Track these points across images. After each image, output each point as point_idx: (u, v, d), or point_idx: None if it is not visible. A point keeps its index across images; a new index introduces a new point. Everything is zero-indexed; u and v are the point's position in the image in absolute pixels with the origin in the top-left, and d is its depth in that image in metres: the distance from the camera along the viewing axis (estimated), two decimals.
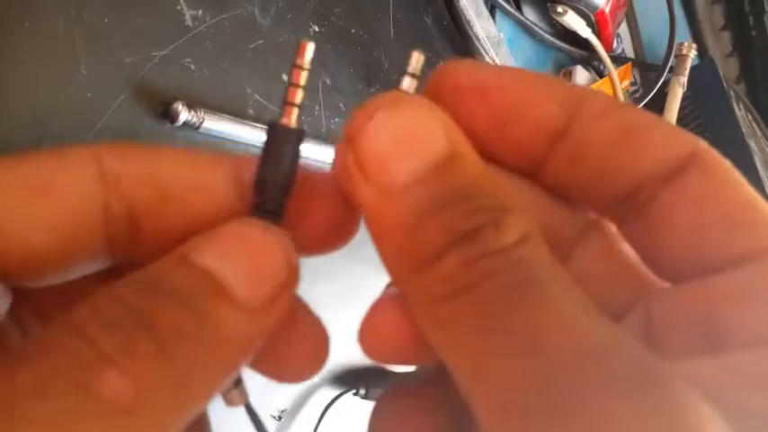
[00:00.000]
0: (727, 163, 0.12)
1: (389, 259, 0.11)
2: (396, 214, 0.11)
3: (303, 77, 0.13)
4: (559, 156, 0.12)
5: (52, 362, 0.09)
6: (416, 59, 0.12)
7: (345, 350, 0.18)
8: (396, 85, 0.12)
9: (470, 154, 0.11)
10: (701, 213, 0.11)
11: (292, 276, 0.12)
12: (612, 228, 0.13)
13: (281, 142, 0.13)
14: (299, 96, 0.13)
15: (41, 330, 0.10)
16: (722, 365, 0.10)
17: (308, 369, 0.14)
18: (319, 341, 0.14)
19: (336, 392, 0.27)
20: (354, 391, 0.28)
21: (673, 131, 0.12)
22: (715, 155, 0.12)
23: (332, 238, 0.13)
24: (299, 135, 0.13)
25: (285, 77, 0.27)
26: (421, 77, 0.12)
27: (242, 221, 0.12)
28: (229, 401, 0.14)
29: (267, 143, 0.13)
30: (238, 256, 0.11)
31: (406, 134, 0.11)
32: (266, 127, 0.13)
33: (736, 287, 0.11)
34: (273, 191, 0.13)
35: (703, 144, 0.12)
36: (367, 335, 0.13)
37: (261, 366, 0.14)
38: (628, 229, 0.13)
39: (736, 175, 0.12)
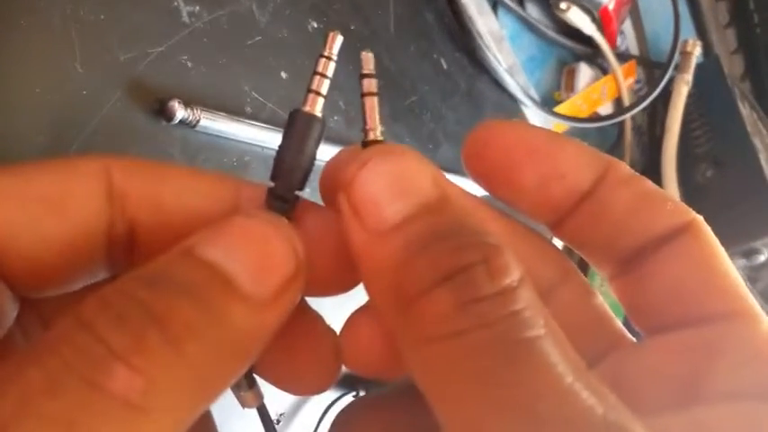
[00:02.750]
0: (713, 236, 0.13)
1: (379, 298, 0.12)
2: (386, 253, 0.11)
3: (330, 68, 0.13)
4: (583, 213, 0.14)
5: (61, 358, 0.09)
6: (366, 59, 0.13)
7: None
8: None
9: (457, 197, 0.12)
10: (687, 274, 0.13)
11: (300, 269, 0.11)
12: (585, 279, 0.15)
13: (303, 129, 0.13)
14: (323, 86, 0.13)
15: (52, 326, 0.10)
16: (690, 421, 0.11)
17: (322, 382, 0.14)
18: (332, 353, 0.13)
19: (334, 395, 0.27)
20: (354, 393, 0.28)
21: (678, 203, 0.14)
22: (706, 227, 0.13)
23: (343, 277, 0.13)
24: (320, 124, 0.13)
25: (284, 75, 0.26)
26: (376, 75, 0.13)
27: (247, 214, 0.12)
28: (244, 403, 0.14)
29: (288, 129, 0.13)
30: (244, 250, 0.11)
31: (396, 179, 0.11)
32: (289, 114, 0.13)
33: (709, 343, 0.12)
34: (290, 177, 0.13)
35: (699, 217, 0.14)
36: (344, 346, 0.13)
37: (274, 378, 0.14)
38: (618, 280, 0.14)
39: (720, 246, 0.13)
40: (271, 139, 0.24)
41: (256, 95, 0.25)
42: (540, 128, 0.14)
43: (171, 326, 0.10)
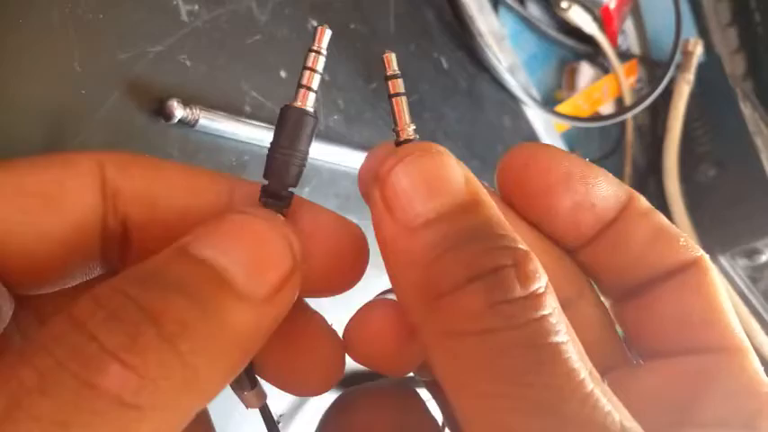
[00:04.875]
0: (716, 273, 0.14)
1: (406, 291, 0.12)
2: (416, 248, 0.11)
3: (320, 62, 0.13)
4: (603, 241, 0.14)
5: (54, 357, 0.09)
6: (388, 60, 0.13)
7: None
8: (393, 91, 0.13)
9: (489, 201, 0.12)
10: (689, 306, 0.14)
11: (296, 266, 0.11)
12: (599, 298, 0.15)
13: (294, 125, 0.13)
14: (314, 81, 0.13)
15: (45, 325, 0.10)
16: None
17: (324, 382, 0.14)
18: (334, 354, 0.14)
19: (334, 396, 0.27)
20: None
21: (689, 241, 0.15)
22: (711, 265, 0.14)
23: (340, 278, 0.13)
24: (312, 119, 0.13)
25: (283, 74, 0.26)
26: (401, 74, 0.13)
27: (242, 211, 0.12)
28: (247, 403, 0.14)
29: (279, 126, 0.13)
30: (239, 247, 0.11)
31: (431, 177, 0.12)
32: (280, 109, 0.13)
33: (703, 372, 0.13)
34: (283, 175, 0.13)
35: (705, 254, 0.15)
36: (353, 335, 0.13)
37: (276, 379, 0.14)
38: (622, 305, 0.15)
39: (721, 284, 0.14)
40: (270, 138, 0.24)
41: (256, 95, 0.25)
42: (574, 155, 0.15)
43: (166, 324, 0.10)
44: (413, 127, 0.13)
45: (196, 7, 0.23)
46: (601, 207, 0.14)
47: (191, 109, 0.22)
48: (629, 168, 0.54)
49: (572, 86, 0.48)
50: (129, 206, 0.12)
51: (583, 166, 0.14)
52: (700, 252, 0.15)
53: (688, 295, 0.14)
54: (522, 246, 0.11)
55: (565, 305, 0.14)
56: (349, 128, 0.29)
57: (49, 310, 0.13)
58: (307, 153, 0.13)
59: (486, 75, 0.40)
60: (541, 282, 0.11)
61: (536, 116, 0.43)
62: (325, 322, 0.14)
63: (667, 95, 0.52)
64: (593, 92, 0.49)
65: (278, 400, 0.24)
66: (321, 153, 0.27)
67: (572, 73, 0.49)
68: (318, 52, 0.13)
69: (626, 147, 0.54)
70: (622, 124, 0.54)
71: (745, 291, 0.50)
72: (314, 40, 0.13)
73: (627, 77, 0.51)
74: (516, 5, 0.43)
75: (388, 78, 0.13)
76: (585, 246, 0.15)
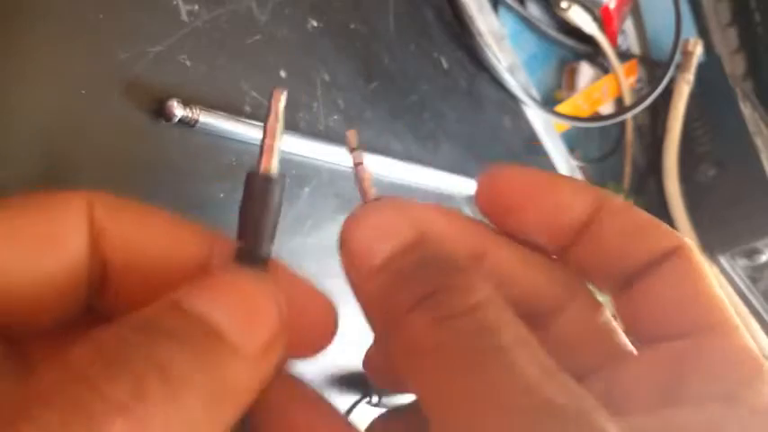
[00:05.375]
0: (700, 258, 0.15)
1: (376, 325, 0.14)
2: (375, 287, 0.13)
3: (279, 126, 0.13)
4: (583, 243, 0.15)
5: (58, 414, 0.09)
6: (351, 135, 0.15)
7: (349, 356, 0.18)
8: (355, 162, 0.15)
9: (434, 235, 0.14)
10: (674, 292, 0.15)
11: (283, 326, 0.12)
12: (594, 297, 0.17)
13: (262, 192, 0.13)
14: (276, 143, 0.13)
15: (41, 374, 0.10)
16: (662, 420, 0.13)
17: (318, 342, 0.15)
18: (327, 311, 0.14)
19: (346, 400, 0.27)
20: (367, 399, 0.28)
21: (669, 230, 0.15)
22: (694, 249, 0.15)
23: (306, 346, 0.14)
24: (279, 182, 0.13)
25: (283, 74, 0.26)
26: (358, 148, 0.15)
27: (232, 270, 0.12)
28: None
29: (247, 192, 0.13)
30: (233, 305, 0.11)
31: (378, 229, 0.14)
32: (245, 176, 0.13)
33: (689, 352, 0.14)
34: (257, 239, 0.13)
35: (688, 241, 0.15)
36: (366, 366, 0.16)
37: None
38: (617, 299, 0.16)
39: (706, 267, 0.15)
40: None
41: (255, 94, 0.25)
42: (539, 171, 0.16)
43: (170, 374, 0.10)
44: (374, 190, 0.16)
45: (196, 7, 0.23)
46: (570, 212, 0.15)
47: (191, 109, 0.22)
48: (629, 168, 0.54)
49: (572, 86, 0.48)
50: (111, 249, 0.13)
51: (546, 179, 0.16)
52: (680, 240, 0.15)
53: (671, 282, 0.15)
54: (461, 265, 0.13)
55: (556, 308, 0.16)
56: (349, 128, 0.29)
57: (35, 351, 0.13)
58: (277, 215, 0.13)
59: (486, 75, 0.40)
60: (479, 294, 0.12)
61: (536, 116, 0.43)
62: (312, 285, 0.15)
63: (667, 95, 0.52)
64: (593, 92, 0.49)
65: None
66: (321, 153, 0.27)
67: (572, 73, 0.49)
68: (277, 114, 0.13)
69: (626, 147, 0.54)
70: (622, 124, 0.54)
71: (745, 291, 0.50)
72: (270, 105, 0.13)
73: (627, 77, 0.51)
74: (516, 5, 0.43)
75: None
76: (568, 249, 0.16)
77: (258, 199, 0.13)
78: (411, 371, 0.12)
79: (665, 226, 0.15)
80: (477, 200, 0.16)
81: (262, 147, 0.13)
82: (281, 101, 0.13)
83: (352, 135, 0.16)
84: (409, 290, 0.13)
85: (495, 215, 0.16)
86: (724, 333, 0.14)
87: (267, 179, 0.13)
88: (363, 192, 0.16)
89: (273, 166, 0.13)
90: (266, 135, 0.13)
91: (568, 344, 0.16)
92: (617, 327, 0.16)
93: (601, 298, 0.17)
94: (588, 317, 0.16)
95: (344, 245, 0.14)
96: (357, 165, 0.16)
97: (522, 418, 0.11)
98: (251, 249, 0.13)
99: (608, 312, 0.16)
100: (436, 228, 0.15)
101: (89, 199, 0.13)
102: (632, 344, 0.16)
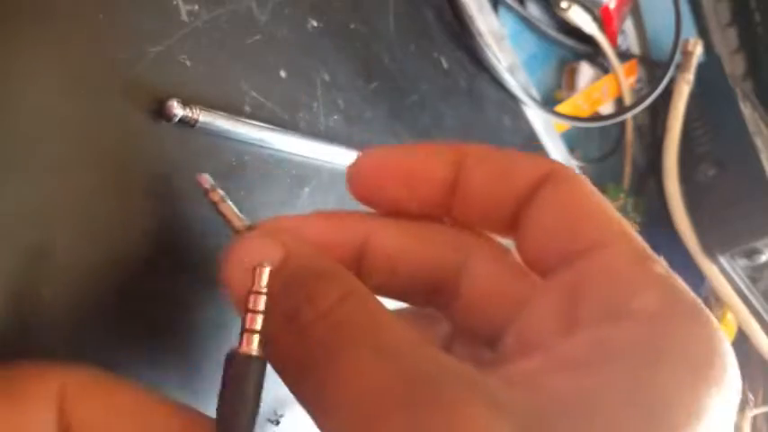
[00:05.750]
0: (578, 177, 0.15)
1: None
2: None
3: (261, 302, 0.13)
4: (459, 199, 0.16)
5: None
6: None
7: None
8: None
9: (304, 249, 0.15)
10: (551, 220, 0.15)
11: None
12: (497, 245, 0.17)
13: (243, 374, 0.13)
14: (257, 323, 0.13)
15: None
16: (555, 354, 0.13)
17: None
18: None
19: None
20: None
21: (532, 160, 0.15)
22: (567, 172, 0.15)
23: None
24: (261, 365, 0.13)
25: (283, 74, 0.26)
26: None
27: None
28: None
29: (226, 376, 0.13)
30: None
31: (246, 260, 0.14)
32: (226, 357, 0.13)
33: (576, 277, 0.14)
34: (237, 429, 0.13)
35: (558, 165, 0.15)
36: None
37: None
38: (515, 241, 0.16)
39: (584, 185, 0.15)
40: (270, 138, 0.24)
41: (256, 94, 0.25)
42: (396, 146, 0.17)
43: None
44: (241, 220, 0.17)
45: (196, 7, 0.23)
46: (430, 174, 0.16)
47: (191, 109, 0.22)
48: (629, 168, 0.54)
49: (572, 86, 0.48)
50: None
51: (399, 151, 0.17)
52: (548, 166, 0.15)
53: (546, 210, 0.15)
54: (321, 273, 0.14)
55: (458, 270, 0.16)
56: (349, 128, 0.29)
57: None
58: (258, 399, 0.13)
59: (486, 75, 0.40)
60: (330, 298, 0.13)
61: (536, 116, 0.43)
62: None
63: (667, 95, 0.52)
64: (593, 92, 0.49)
65: (279, 400, 0.24)
66: (321, 153, 0.27)
67: (572, 73, 0.49)
68: (259, 293, 0.13)
69: (626, 146, 0.54)
70: (622, 124, 0.54)
71: (745, 291, 0.50)
72: (253, 281, 0.13)
73: (627, 77, 0.51)
74: (516, 5, 0.43)
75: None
76: (449, 212, 0.16)
77: (238, 381, 0.13)
78: (291, 388, 0.13)
79: (531, 157, 0.16)
80: (350, 191, 0.17)
81: (243, 327, 0.13)
82: (264, 278, 0.13)
83: (203, 179, 0.17)
84: (277, 312, 0.13)
85: (369, 200, 0.17)
86: (608, 248, 0.14)
87: (247, 359, 0.13)
88: (231, 224, 0.17)
89: (254, 345, 0.13)
90: (246, 315, 0.13)
91: (480, 300, 0.16)
92: (527, 267, 0.16)
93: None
94: (493, 268, 0.16)
95: (223, 284, 0.15)
96: (216, 203, 0.17)
97: (362, 398, 0.11)
98: None
99: (516, 256, 0.16)
100: (312, 235, 0.16)
101: (60, 384, 0.12)
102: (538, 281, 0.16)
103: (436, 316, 0.18)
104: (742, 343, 0.54)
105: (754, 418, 0.60)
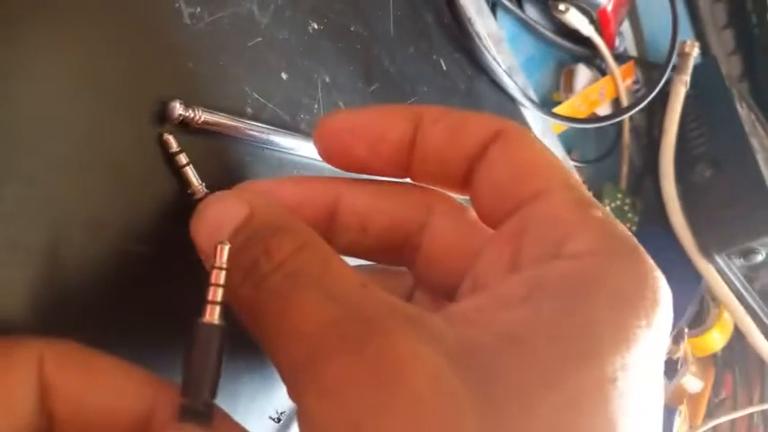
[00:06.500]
0: (525, 133, 0.16)
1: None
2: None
3: (222, 276, 0.14)
4: (416, 158, 0.16)
5: None
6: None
7: None
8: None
9: (267, 207, 0.15)
10: (500, 171, 0.15)
11: None
12: (455, 203, 0.17)
13: (206, 341, 0.14)
14: (219, 294, 0.14)
15: None
16: (493, 296, 0.13)
17: None
18: None
19: None
20: None
21: (483, 119, 0.16)
22: (515, 129, 0.16)
23: None
24: (222, 333, 0.14)
25: (284, 76, 0.26)
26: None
27: (177, 428, 0.13)
28: None
29: (190, 343, 0.14)
30: None
31: (213, 219, 0.15)
32: (188, 327, 0.14)
33: (519, 226, 0.15)
34: (201, 391, 0.13)
35: (507, 122, 0.16)
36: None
37: None
38: (470, 197, 0.17)
39: (531, 140, 0.16)
40: (272, 139, 0.25)
41: (257, 96, 0.25)
42: (358, 109, 0.17)
43: None
44: (202, 186, 0.18)
45: (198, 10, 0.23)
46: (391, 135, 0.16)
47: (193, 110, 0.22)
48: (626, 169, 0.54)
49: (569, 88, 0.49)
50: (58, 405, 0.13)
51: (362, 115, 0.17)
52: (498, 123, 0.16)
53: (495, 163, 0.15)
54: (277, 228, 0.14)
55: (422, 226, 0.17)
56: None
57: None
58: (220, 365, 0.14)
59: (485, 76, 0.40)
60: (284, 251, 0.14)
61: (534, 117, 0.44)
62: None
63: (664, 97, 0.52)
64: (591, 93, 0.49)
65: (279, 398, 0.24)
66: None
67: (569, 75, 0.49)
68: (221, 268, 0.14)
69: (623, 147, 0.54)
70: (619, 125, 0.54)
71: (742, 290, 0.50)
72: (215, 257, 0.14)
73: (624, 79, 0.52)
74: (514, 8, 0.43)
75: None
76: (410, 171, 0.17)
77: (202, 348, 0.14)
78: (253, 335, 0.14)
79: (483, 116, 0.16)
80: (319, 153, 0.18)
81: (206, 299, 0.14)
82: (224, 254, 0.14)
83: (169, 141, 0.18)
84: (238, 267, 0.14)
85: (335, 161, 0.17)
86: (550, 195, 0.14)
87: (210, 328, 0.14)
88: (192, 188, 0.18)
89: (216, 316, 0.14)
90: (209, 288, 0.14)
91: (440, 254, 0.17)
92: (483, 223, 0.17)
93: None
94: (451, 223, 0.17)
95: (192, 240, 0.15)
96: (182, 167, 0.17)
97: (304, 344, 0.12)
98: (194, 405, 0.13)
99: (473, 212, 0.17)
100: (283, 197, 0.17)
101: (39, 352, 0.13)
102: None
103: (403, 273, 0.19)
104: (739, 342, 0.54)
105: (753, 415, 0.60)
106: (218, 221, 0.15)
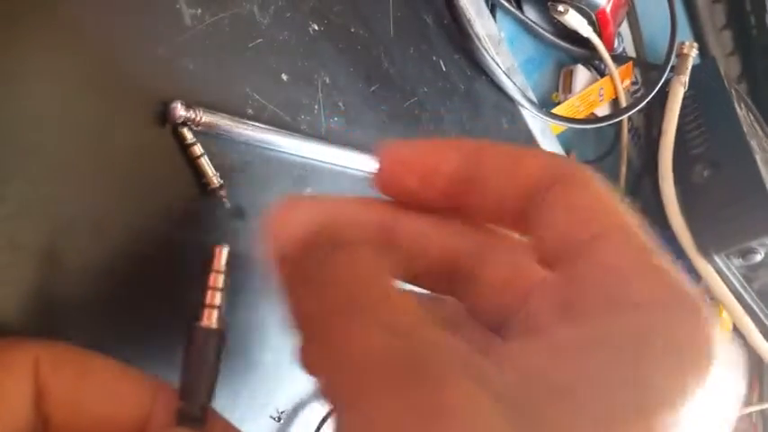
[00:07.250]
0: (589, 178, 0.15)
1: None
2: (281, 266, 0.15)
3: (220, 280, 0.14)
4: (471, 193, 0.16)
5: None
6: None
7: None
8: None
9: (329, 225, 0.15)
10: (559, 215, 0.15)
11: None
12: (514, 236, 0.17)
13: (204, 345, 0.14)
14: (217, 299, 0.14)
15: None
16: (548, 343, 0.13)
17: None
18: None
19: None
20: None
21: (543, 158, 0.16)
22: (579, 174, 0.15)
23: None
24: (220, 335, 0.14)
25: (284, 77, 0.26)
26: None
27: None
28: None
29: (189, 346, 0.14)
30: None
31: (288, 220, 0.15)
32: (187, 329, 0.14)
33: (580, 267, 0.14)
34: (198, 395, 0.14)
35: (570, 167, 0.15)
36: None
37: None
38: (527, 236, 0.17)
39: (593, 185, 0.15)
40: (272, 139, 0.25)
41: (258, 97, 0.25)
42: (413, 142, 0.17)
43: None
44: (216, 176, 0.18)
45: (199, 11, 0.23)
46: (444, 168, 0.16)
47: (193, 111, 0.22)
48: (625, 169, 0.55)
49: (568, 89, 0.49)
50: (54, 407, 0.13)
51: (416, 146, 0.17)
52: (559, 165, 0.15)
53: (554, 206, 0.15)
54: (339, 243, 0.14)
55: (472, 260, 0.17)
56: (349, 129, 0.29)
57: None
58: (217, 369, 0.14)
59: (484, 77, 0.40)
60: (347, 267, 0.14)
61: (533, 118, 0.44)
62: None
63: (662, 97, 0.52)
64: (590, 94, 0.49)
65: (280, 396, 0.24)
66: (321, 154, 0.27)
67: (568, 76, 0.49)
68: (218, 271, 0.14)
69: (621, 148, 0.54)
70: (618, 126, 0.54)
71: (740, 290, 0.51)
72: (212, 261, 0.14)
73: (623, 80, 0.52)
74: (513, 9, 0.44)
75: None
76: (467, 205, 0.17)
77: (199, 352, 0.14)
78: (301, 340, 0.13)
79: (540, 156, 0.16)
80: (375, 184, 0.17)
81: (203, 303, 0.14)
82: (223, 258, 0.14)
83: (183, 130, 0.18)
84: (298, 272, 0.14)
85: (393, 192, 0.17)
86: (608, 240, 0.14)
87: (207, 332, 0.14)
88: (206, 179, 0.19)
89: (214, 320, 0.14)
90: (207, 292, 0.14)
91: (492, 289, 0.17)
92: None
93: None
94: (507, 259, 0.17)
95: (264, 239, 0.15)
96: (197, 157, 0.17)
97: (357, 369, 0.12)
98: (191, 409, 0.14)
99: (529, 250, 0.17)
100: (344, 213, 0.17)
101: (35, 355, 0.13)
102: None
103: (446, 300, 0.19)
104: (737, 341, 0.54)
105: (751, 414, 0.60)
106: (292, 223, 0.15)
